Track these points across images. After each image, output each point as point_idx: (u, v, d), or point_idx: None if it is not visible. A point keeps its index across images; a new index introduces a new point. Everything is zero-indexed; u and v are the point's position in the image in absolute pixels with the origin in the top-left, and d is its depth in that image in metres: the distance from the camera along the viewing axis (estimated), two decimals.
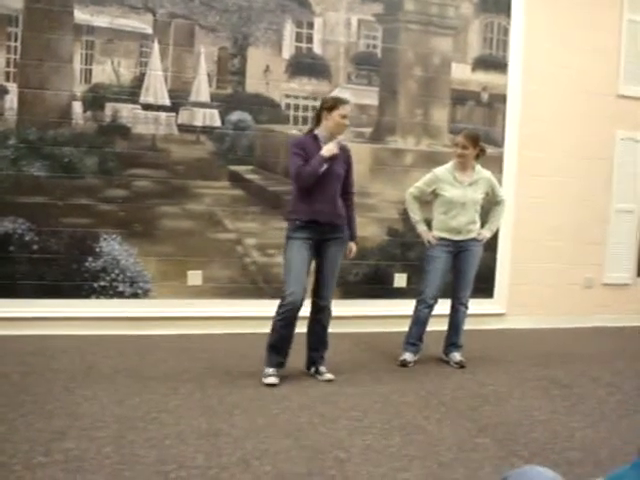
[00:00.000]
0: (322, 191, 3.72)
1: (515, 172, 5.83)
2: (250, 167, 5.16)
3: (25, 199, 4.68)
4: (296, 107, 5.22)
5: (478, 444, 2.97)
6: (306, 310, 3.86)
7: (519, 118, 5.83)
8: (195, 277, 5.06)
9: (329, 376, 3.90)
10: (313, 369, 3.97)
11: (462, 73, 5.69)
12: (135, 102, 4.89)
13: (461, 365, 4.39)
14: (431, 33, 5.56)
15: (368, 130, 5.43)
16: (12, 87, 4.65)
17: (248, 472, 2.53)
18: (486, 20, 5.75)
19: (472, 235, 4.39)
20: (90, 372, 3.82)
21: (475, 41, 5.72)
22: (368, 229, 5.36)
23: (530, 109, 5.85)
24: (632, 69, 6.19)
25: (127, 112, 4.88)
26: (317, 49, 5.30)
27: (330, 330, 3.97)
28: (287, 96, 5.23)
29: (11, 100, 4.64)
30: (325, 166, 3.67)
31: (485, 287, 5.67)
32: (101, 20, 4.80)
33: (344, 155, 3.85)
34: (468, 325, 4.60)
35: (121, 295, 4.90)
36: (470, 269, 4.43)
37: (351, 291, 5.34)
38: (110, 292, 4.88)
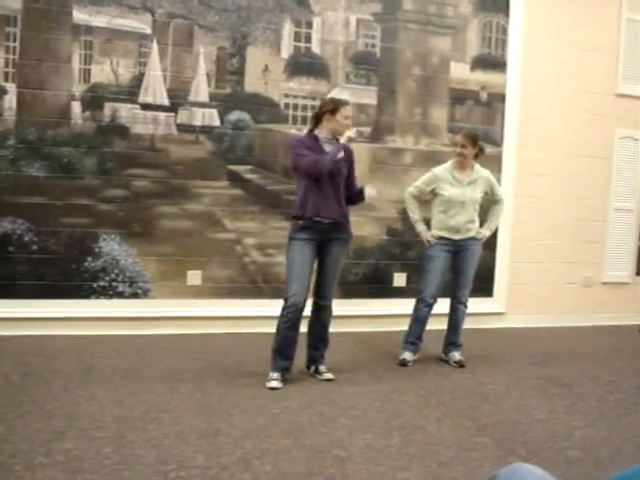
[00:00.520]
0: (324, 188, 3.73)
1: (514, 171, 5.83)
2: (249, 167, 5.16)
3: (24, 199, 4.68)
4: (295, 107, 5.22)
5: (477, 443, 2.98)
6: (307, 309, 3.86)
7: (518, 117, 5.83)
8: (194, 277, 5.06)
9: (329, 375, 3.90)
10: (313, 368, 3.97)
11: (461, 72, 5.69)
12: (134, 102, 4.89)
13: (460, 364, 4.39)
14: (430, 32, 5.56)
15: (367, 129, 5.43)
16: (11, 87, 4.65)
17: (248, 472, 2.53)
18: (485, 19, 5.75)
19: (471, 234, 4.40)
20: (89, 372, 3.82)
21: (474, 40, 5.73)
22: (367, 228, 5.36)
23: (529, 108, 5.85)
24: (631, 68, 6.19)
25: (126, 112, 4.87)
26: (316, 49, 5.30)
27: (330, 329, 3.97)
28: (286, 96, 5.23)
29: (10, 100, 4.64)
30: (339, 156, 3.70)
31: (484, 286, 5.68)
32: (99, 20, 4.79)
33: (346, 154, 3.86)
34: (467, 324, 4.60)
35: (120, 295, 4.90)
36: (469, 268, 4.43)
37: (351, 290, 5.34)
38: (109, 292, 4.88)
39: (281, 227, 4.84)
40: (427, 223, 4.45)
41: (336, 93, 5.21)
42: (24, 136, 4.66)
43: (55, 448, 2.66)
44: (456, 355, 4.46)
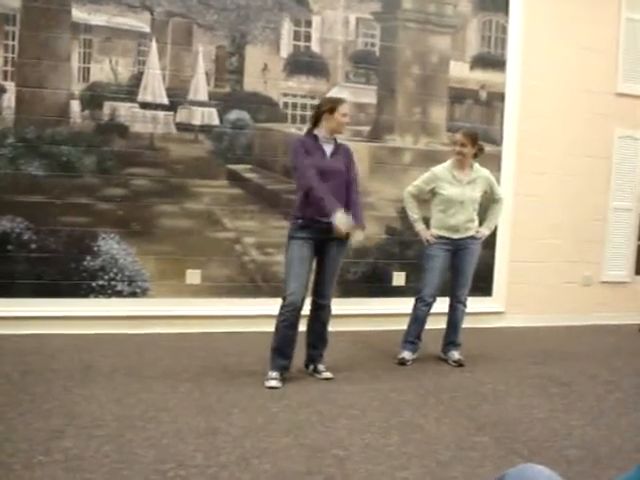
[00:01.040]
0: (328, 189, 3.72)
1: (513, 170, 5.83)
2: (248, 166, 5.16)
3: (23, 198, 4.68)
4: (294, 106, 5.22)
5: (477, 442, 2.97)
6: (306, 308, 3.86)
7: (517, 116, 5.83)
8: (194, 276, 5.06)
9: (328, 374, 3.90)
10: (312, 367, 3.97)
11: (460, 71, 5.69)
12: (133, 101, 4.89)
13: (460, 363, 4.39)
14: (429, 31, 5.56)
15: (366, 129, 5.43)
16: (10, 86, 4.64)
17: (247, 471, 2.53)
18: (484, 18, 5.75)
19: (470, 233, 4.39)
20: (88, 371, 3.82)
21: (473, 39, 5.72)
22: (366, 227, 5.34)
23: (528, 107, 5.85)
24: (631, 67, 6.20)
25: (125, 111, 4.87)
26: (315, 47, 5.30)
27: (329, 328, 3.97)
28: (285, 95, 5.23)
29: (9, 99, 4.64)
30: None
31: (484, 285, 5.68)
32: (99, 18, 4.79)
33: (344, 153, 3.87)
34: (467, 323, 4.60)
35: (119, 294, 4.90)
36: (468, 267, 4.43)
37: (350, 289, 5.34)
38: (109, 291, 4.88)
39: (280, 226, 4.84)
40: (426, 222, 4.45)
41: (335, 92, 5.21)
42: (23, 135, 4.65)
43: (54, 447, 2.65)
44: (455, 354, 4.46)
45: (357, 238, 3.99)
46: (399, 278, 5.55)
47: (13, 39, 4.64)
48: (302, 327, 3.89)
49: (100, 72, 4.83)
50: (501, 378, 4.12)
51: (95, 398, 3.31)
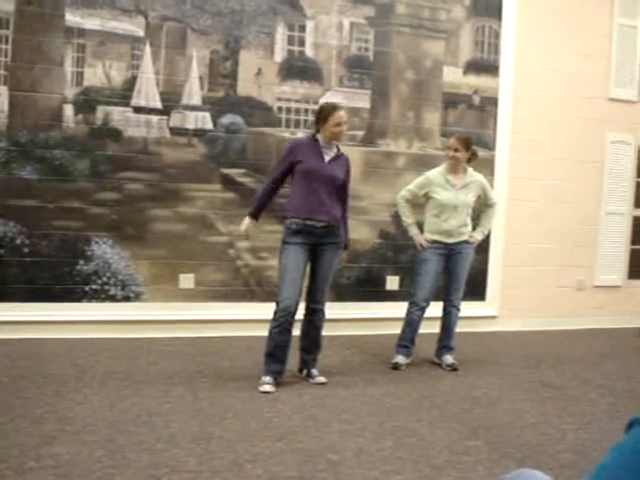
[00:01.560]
0: (318, 191, 3.74)
1: (506, 175, 5.85)
2: (242, 170, 5.16)
3: (16, 202, 4.66)
4: (288, 110, 5.22)
5: (470, 447, 2.98)
6: (300, 313, 3.86)
7: (510, 121, 5.85)
8: (187, 280, 5.05)
9: (321, 379, 3.90)
10: (305, 372, 3.96)
11: (454, 76, 5.70)
12: (127, 105, 4.88)
13: (453, 368, 4.40)
14: (423, 36, 5.58)
15: (360, 133, 5.43)
16: (3, 90, 4.63)
17: (240, 476, 2.53)
18: (477, 23, 5.77)
19: (464, 238, 4.41)
20: (81, 376, 3.80)
21: (466, 44, 5.74)
22: (360, 232, 5.36)
23: (521, 112, 5.88)
24: (623, 72, 6.23)
25: (119, 115, 4.86)
26: (309, 52, 5.31)
27: (323, 333, 3.97)
28: (279, 99, 5.23)
29: (2, 103, 4.62)
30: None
31: (477, 290, 5.69)
32: (92, 23, 4.78)
33: (344, 163, 3.89)
34: (460, 328, 4.61)
35: (113, 298, 4.89)
36: (462, 272, 4.44)
37: (343, 294, 5.34)
38: (102, 295, 4.86)
39: (274, 230, 4.83)
40: (420, 226, 4.46)
41: (329, 97, 5.22)
42: (16, 139, 4.64)
43: (46, 452, 2.64)
44: (449, 358, 4.46)
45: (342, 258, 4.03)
46: (393, 282, 5.55)
47: (6, 43, 4.63)
48: (296, 332, 3.89)
49: (94, 76, 4.82)
50: (494, 382, 4.12)
51: (88, 403, 3.30)
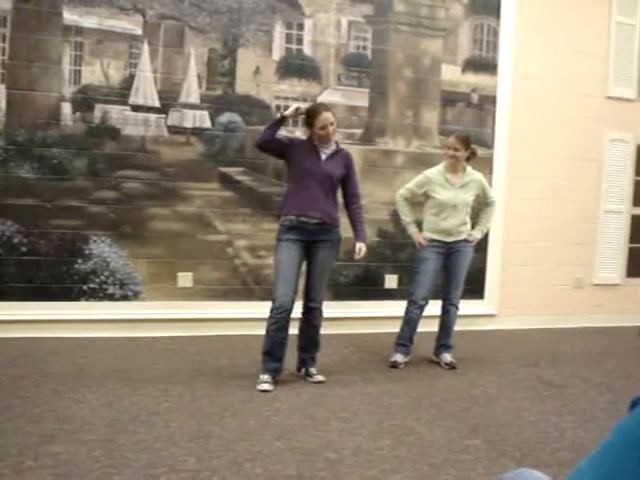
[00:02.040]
0: (312, 189, 3.74)
1: (505, 173, 5.85)
2: (240, 168, 5.15)
3: (14, 201, 4.65)
4: (286, 108, 5.15)
5: (469, 445, 2.97)
6: (298, 312, 3.86)
7: (509, 119, 5.85)
8: (185, 279, 5.04)
9: (319, 378, 3.89)
10: (304, 371, 3.96)
11: (452, 74, 5.70)
12: (125, 103, 4.87)
13: (452, 366, 4.39)
14: (421, 35, 5.57)
15: (358, 131, 5.43)
16: (0, 88, 4.61)
17: (239, 475, 2.52)
18: (476, 22, 5.77)
19: (463, 236, 4.40)
20: (80, 375, 3.80)
21: (465, 43, 5.74)
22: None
23: (520, 110, 5.87)
24: (621, 71, 6.23)
25: (116, 113, 4.85)
26: (307, 50, 5.30)
27: (321, 331, 3.96)
28: (277, 97, 5.22)
29: None
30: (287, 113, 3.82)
31: (476, 288, 5.69)
32: (90, 21, 4.77)
33: (342, 159, 3.87)
34: (459, 326, 4.61)
35: (111, 297, 4.88)
36: (461, 270, 4.44)
37: (342, 292, 5.34)
38: (100, 294, 4.86)
39: (272, 229, 4.80)
40: (419, 225, 4.45)
41: (327, 95, 5.22)
42: (14, 137, 4.63)
43: (44, 452, 2.64)
44: (447, 357, 4.46)
45: (360, 254, 3.96)
46: (391, 281, 5.55)
47: (4, 41, 4.62)
48: (294, 330, 3.89)
49: (91, 75, 4.81)
50: (493, 381, 4.12)
51: (86, 402, 3.29)
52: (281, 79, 5.24)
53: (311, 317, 3.89)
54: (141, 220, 4.93)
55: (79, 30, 4.76)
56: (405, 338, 4.41)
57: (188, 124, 5.02)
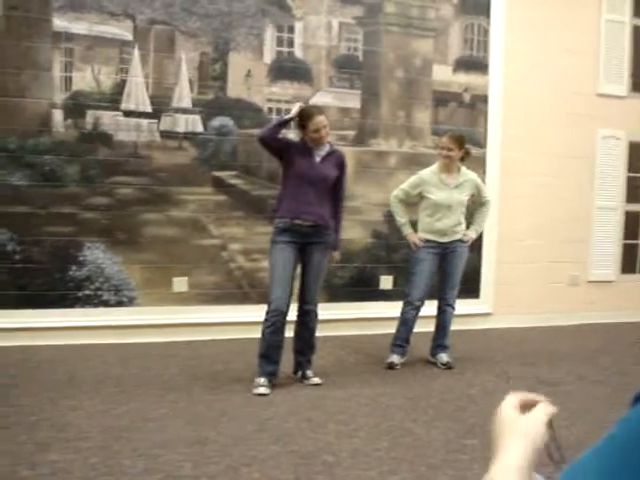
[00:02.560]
0: (307, 191, 3.74)
1: (498, 172, 5.85)
2: (233, 172, 5.14)
3: (6, 209, 4.63)
4: (278, 111, 5.20)
5: (466, 445, 2.97)
6: (293, 314, 3.86)
7: (501, 118, 5.86)
8: (180, 284, 5.03)
9: (316, 380, 3.89)
10: (300, 373, 3.96)
11: (443, 74, 5.71)
12: (116, 109, 4.86)
13: (448, 366, 4.39)
14: (412, 35, 5.58)
15: (351, 133, 5.43)
16: None
17: (236, 479, 2.52)
18: (466, 21, 5.78)
19: (458, 236, 4.40)
20: (75, 382, 3.78)
21: (456, 43, 5.75)
22: (353, 232, 5.35)
23: (512, 109, 5.88)
24: (611, 68, 6.25)
25: (108, 119, 4.84)
26: (298, 53, 5.30)
27: (316, 334, 3.96)
28: (269, 100, 5.22)
29: None
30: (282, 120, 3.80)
31: (471, 287, 5.69)
32: (80, 27, 4.76)
33: (336, 160, 3.87)
34: (455, 325, 4.61)
35: (106, 304, 4.87)
36: (456, 270, 4.44)
37: (337, 294, 5.34)
38: (95, 301, 4.84)
39: (266, 232, 4.79)
40: (414, 225, 4.45)
41: (319, 97, 5.23)
42: (5, 145, 4.61)
43: (40, 460, 2.62)
44: (444, 357, 4.46)
45: (333, 260, 4.02)
46: (386, 282, 5.55)
47: None
48: (289, 333, 3.89)
49: (82, 81, 4.79)
50: (490, 380, 4.13)
51: (82, 409, 3.28)
52: (273, 82, 5.24)
53: (306, 319, 3.89)
54: (135, 225, 4.92)
55: (69, 36, 4.75)
56: (401, 339, 4.41)
57: (180, 129, 5.01)
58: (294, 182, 3.76)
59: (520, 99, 5.91)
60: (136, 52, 4.90)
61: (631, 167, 6.47)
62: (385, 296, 5.46)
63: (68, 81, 4.77)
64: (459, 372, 4.30)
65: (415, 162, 5.34)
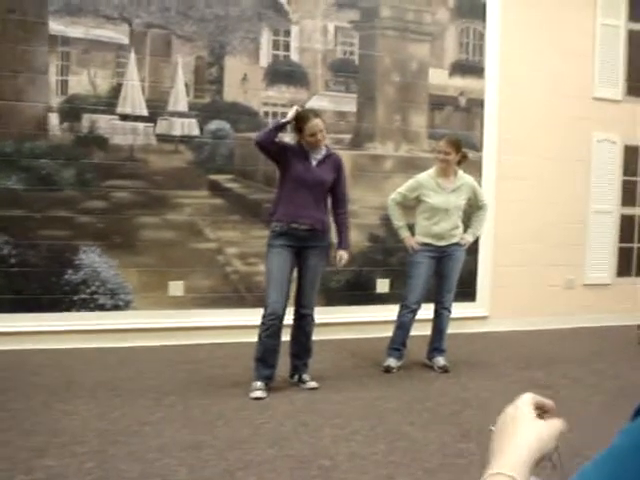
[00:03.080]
0: (303, 195, 3.74)
1: (494, 176, 5.86)
2: (230, 176, 5.14)
3: (2, 212, 4.62)
4: (274, 115, 5.20)
5: (462, 449, 2.97)
6: (289, 318, 3.85)
7: (497, 122, 5.87)
8: (177, 287, 5.02)
9: (313, 384, 3.89)
10: (296, 377, 3.95)
11: (439, 78, 5.72)
12: (112, 113, 4.86)
13: (445, 370, 4.39)
14: (408, 39, 5.59)
15: (347, 137, 5.43)
16: None
17: None
18: (462, 25, 5.79)
19: (455, 240, 4.41)
20: (71, 386, 3.77)
21: (451, 46, 5.76)
22: (349, 235, 5.33)
23: (507, 113, 5.89)
24: (606, 72, 6.27)
25: (104, 123, 4.84)
26: (294, 57, 5.30)
27: (313, 337, 3.96)
28: (265, 104, 5.22)
29: None
30: (278, 124, 3.80)
31: (467, 290, 5.69)
32: (76, 31, 4.76)
33: (333, 163, 3.87)
34: (451, 329, 4.61)
35: (102, 307, 4.86)
36: (453, 274, 4.44)
37: (333, 298, 5.33)
38: (91, 305, 4.83)
39: (263, 236, 4.78)
40: (411, 228, 4.45)
41: (315, 101, 5.23)
42: (1, 148, 4.60)
43: (36, 465, 2.61)
44: (440, 360, 4.46)
45: (341, 262, 3.98)
46: (383, 285, 5.55)
47: None
48: (286, 337, 3.89)
49: (78, 84, 4.79)
50: (486, 383, 4.13)
51: (77, 414, 3.27)
52: (269, 86, 5.24)
53: (303, 323, 3.89)
54: (131, 229, 4.91)
55: (65, 40, 4.75)
56: (398, 342, 4.41)
57: (176, 132, 5.01)
58: (290, 186, 3.77)
59: (516, 103, 5.92)
60: (132, 56, 4.90)
61: (626, 170, 6.49)
62: (381, 300, 5.46)
63: (64, 85, 4.77)
64: (455, 376, 4.30)
65: (411, 166, 5.34)
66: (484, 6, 5.80)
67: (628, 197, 6.52)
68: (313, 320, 3.92)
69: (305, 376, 3.93)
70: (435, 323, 4.54)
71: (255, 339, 3.76)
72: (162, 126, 4.98)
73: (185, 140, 5.02)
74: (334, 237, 4.01)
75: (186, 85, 5.04)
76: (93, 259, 4.82)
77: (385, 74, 5.53)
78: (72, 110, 4.77)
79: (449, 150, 4.27)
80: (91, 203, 4.81)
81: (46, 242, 4.72)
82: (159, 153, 4.97)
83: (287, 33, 5.28)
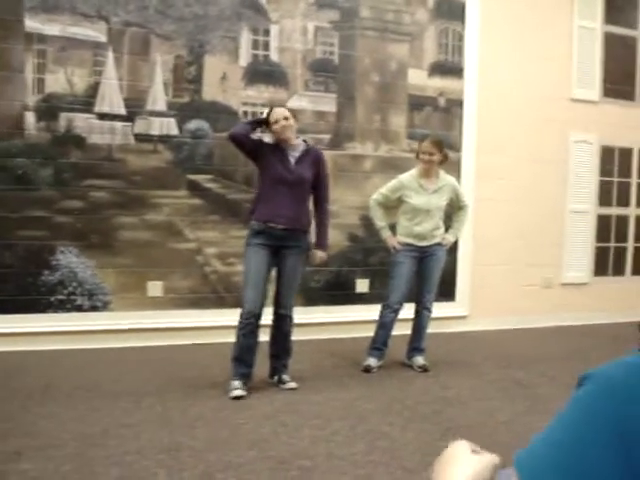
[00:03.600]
0: (282, 194, 3.72)
1: (473, 176, 5.90)
2: (209, 176, 5.12)
3: None
4: (254, 114, 5.18)
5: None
6: (268, 319, 3.84)
7: (476, 122, 5.90)
8: (155, 288, 4.99)
9: (292, 384, 3.88)
10: (276, 378, 3.94)
11: (419, 79, 5.74)
12: (90, 112, 4.81)
13: (424, 369, 4.41)
14: (387, 39, 5.60)
15: (327, 137, 5.43)
16: None
17: None
18: (441, 26, 5.82)
19: (436, 240, 4.42)
20: (48, 389, 3.73)
21: (431, 47, 5.78)
22: (329, 235, 5.33)
23: (486, 113, 5.93)
24: (584, 73, 6.34)
25: (82, 122, 4.79)
26: (274, 56, 5.29)
27: (292, 338, 3.95)
28: (244, 104, 5.20)
29: None
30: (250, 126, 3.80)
31: (447, 290, 5.71)
32: (53, 28, 4.70)
33: (312, 159, 3.84)
34: (431, 328, 4.62)
35: (79, 308, 4.81)
36: (434, 274, 4.46)
37: (313, 298, 5.33)
38: (68, 306, 4.78)
39: (242, 236, 4.75)
40: (392, 228, 4.46)
41: (295, 100, 5.22)
42: None
43: (11, 469, 2.58)
44: (420, 360, 4.48)
45: (317, 261, 3.99)
46: (362, 285, 5.56)
47: None
48: (266, 337, 3.87)
49: (55, 83, 4.74)
50: (465, 382, 4.14)
51: (54, 417, 3.23)
52: (248, 85, 5.22)
53: (281, 324, 3.88)
54: (109, 229, 4.87)
55: (42, 38, 4.69)
56: (379, 342, 4.42)
57: (155, 132, 4.97)
58: (269, 184, 3.75)
59: (494, 103, 5.96)
60: (110, 54, 4.86)
61: (603, 171, 6.56)
62: (361, 299, 5.47)
63: (41, 83, 4.71)
64: (435, 375, 4.32)
65: (391, 166, 5.36)
66: (463, 7, 5.83)
67: (605, 197, 6.60)
68: (292, 320, 3.91)
69: (285, 377, 3.92)
70: (415, 323, 4.55)
71: (234, 339, 3.74)
72: (140, 125, 4.94)
73: (164, 139, 4.99)
74: (314, 237, 4.00)
75: (165, 84, 5.00)
76: (70, 259, 4.77)
77: (365, 74, 5.54)
78: (49, 109, 4.71)
79: (433, 151, 4.28)
80: (68, 203, 4.76)
81: (22, 242, 4.66)
82: (137, 153, 4.93)
83: (267, 32, 5.27)
